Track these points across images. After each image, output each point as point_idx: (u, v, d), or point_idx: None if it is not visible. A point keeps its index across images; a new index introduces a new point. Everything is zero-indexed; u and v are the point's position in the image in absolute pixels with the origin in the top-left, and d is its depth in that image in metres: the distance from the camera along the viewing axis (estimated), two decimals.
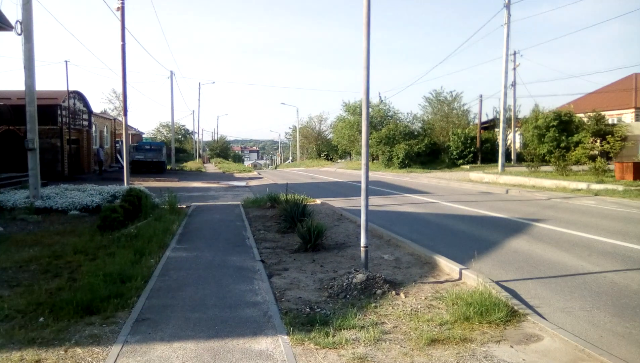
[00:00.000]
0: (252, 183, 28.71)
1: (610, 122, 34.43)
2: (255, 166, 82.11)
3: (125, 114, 16.74)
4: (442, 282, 6.21)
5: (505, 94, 26.69)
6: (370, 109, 47.29)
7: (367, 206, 6.14)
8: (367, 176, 6.08)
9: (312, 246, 8.21)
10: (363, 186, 6.09)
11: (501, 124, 26.80)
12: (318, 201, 15.67)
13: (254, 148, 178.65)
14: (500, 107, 26.75)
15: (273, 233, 10.16)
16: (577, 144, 26.57)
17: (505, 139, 41.90)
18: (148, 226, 10.18)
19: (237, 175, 37.08)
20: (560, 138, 27.82)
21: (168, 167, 41.92)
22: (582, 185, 18.72)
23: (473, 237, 9.66)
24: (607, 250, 8.17)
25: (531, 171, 24.75)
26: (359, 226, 11.27)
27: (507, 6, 26.12)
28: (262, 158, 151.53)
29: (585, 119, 30.96)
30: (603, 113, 33.22)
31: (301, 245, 8.33)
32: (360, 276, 5.77)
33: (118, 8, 17.13)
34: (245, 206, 14.93)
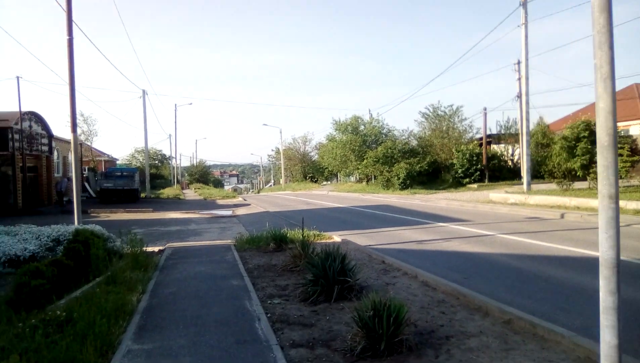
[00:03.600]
0: (239, 211, 24.69)
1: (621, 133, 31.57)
2: (235, 191, 77.90)
3: (74, 130, 12.52)
4: None
5: (527, 102, 23.41)
6: (363, 127, 43.86)
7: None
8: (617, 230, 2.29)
9: (387, 344, 4.39)
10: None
11: (524, 137, 23.45)
12: (335, 236, 11.83)
13: (234, 172, 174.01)
14: (522, 116, 23.46)
15: (296, 302, 6.27)
16: None
17: (513, 154, 38.95)
18: (90, 301, 6.21)
19: (220, 202, 32.94)
20: (593, 151, 24.53)
21: (142, 195, 37.75)
22: None
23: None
24: None
25: (564, 189, 21.36)
26: (424, 283, 6.84)
27: (524, 4, 23.14)
28: (242, 182, 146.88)
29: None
30: None
31: (363, 339, 4.50)
32: None
33: None
34: (240, 247, 11.05)
